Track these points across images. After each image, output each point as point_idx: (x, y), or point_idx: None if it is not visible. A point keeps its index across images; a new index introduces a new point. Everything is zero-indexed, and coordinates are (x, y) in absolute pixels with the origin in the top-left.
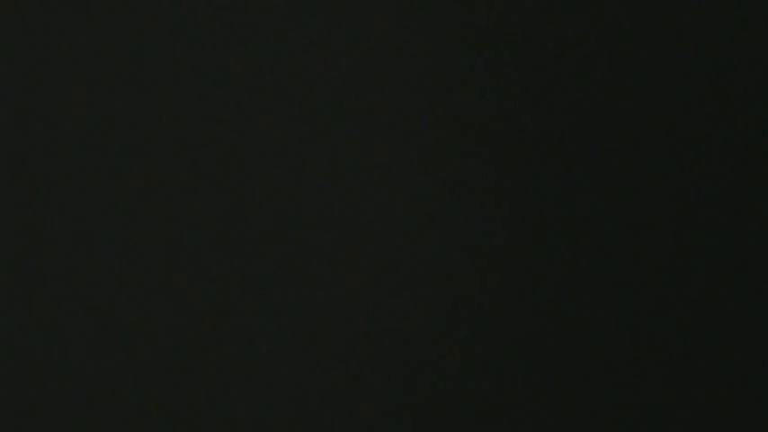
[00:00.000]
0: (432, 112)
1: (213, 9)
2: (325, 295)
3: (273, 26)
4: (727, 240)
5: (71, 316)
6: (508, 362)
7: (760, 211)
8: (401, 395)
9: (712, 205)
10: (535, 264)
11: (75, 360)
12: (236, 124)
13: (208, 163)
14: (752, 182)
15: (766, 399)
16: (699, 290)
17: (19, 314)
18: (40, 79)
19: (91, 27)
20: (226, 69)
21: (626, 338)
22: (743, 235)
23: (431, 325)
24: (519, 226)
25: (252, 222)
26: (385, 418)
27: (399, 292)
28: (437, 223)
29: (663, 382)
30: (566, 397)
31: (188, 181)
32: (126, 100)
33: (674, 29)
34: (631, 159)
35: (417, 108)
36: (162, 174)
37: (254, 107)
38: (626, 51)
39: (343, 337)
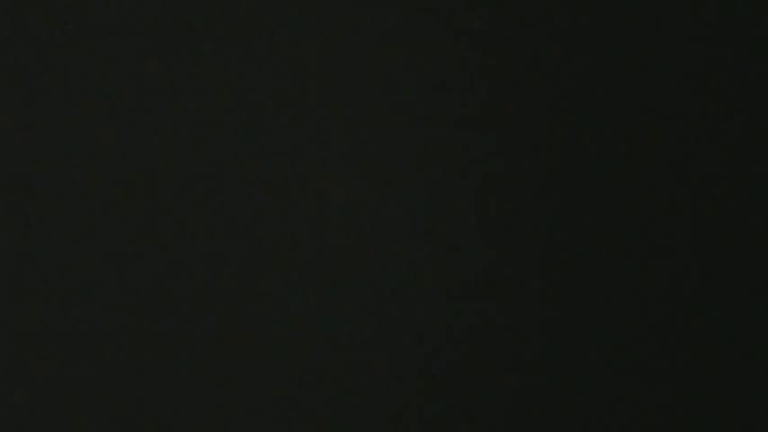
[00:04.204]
0: (431, 112)
1: (213, 9)
2: (324, 295)
3: (272, 25)
4: (727, 241)
5: (69, 316)
6: (509, 362)
7: (760, 211)
8: (401, 396)
9: (712, 205)
10: (535, 263)
11: (74, 360)
12: (235, 123)
13: (208, 162)
14: (752, 182)
15: (766, 399)
16: (698, 290)
17: (18, 314)
18: (39, 79)
19: (90, 26)
20: (227, 69)
21: (627, 339)
22: (743, 235)
23: (430, 326)
24: (518, 226)
25: (251, 222)
26: (384, 419)
27: (399, 293)
28: (436, 224)
29: (662, 381)
30: (565, 397)
31: (188, 179)
32: (124, 99)
33: (672, 29)
34: (633, 161)
35: (417, 107)
36: (161, 173)
37: (253, 106)
38: (627, 52)
39: (343, 338)
